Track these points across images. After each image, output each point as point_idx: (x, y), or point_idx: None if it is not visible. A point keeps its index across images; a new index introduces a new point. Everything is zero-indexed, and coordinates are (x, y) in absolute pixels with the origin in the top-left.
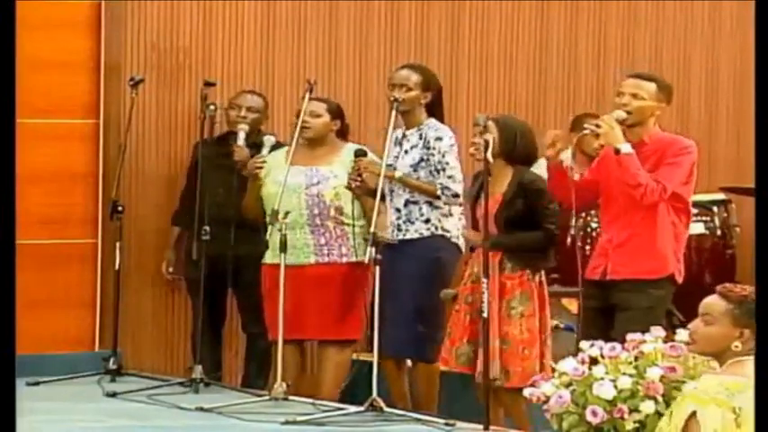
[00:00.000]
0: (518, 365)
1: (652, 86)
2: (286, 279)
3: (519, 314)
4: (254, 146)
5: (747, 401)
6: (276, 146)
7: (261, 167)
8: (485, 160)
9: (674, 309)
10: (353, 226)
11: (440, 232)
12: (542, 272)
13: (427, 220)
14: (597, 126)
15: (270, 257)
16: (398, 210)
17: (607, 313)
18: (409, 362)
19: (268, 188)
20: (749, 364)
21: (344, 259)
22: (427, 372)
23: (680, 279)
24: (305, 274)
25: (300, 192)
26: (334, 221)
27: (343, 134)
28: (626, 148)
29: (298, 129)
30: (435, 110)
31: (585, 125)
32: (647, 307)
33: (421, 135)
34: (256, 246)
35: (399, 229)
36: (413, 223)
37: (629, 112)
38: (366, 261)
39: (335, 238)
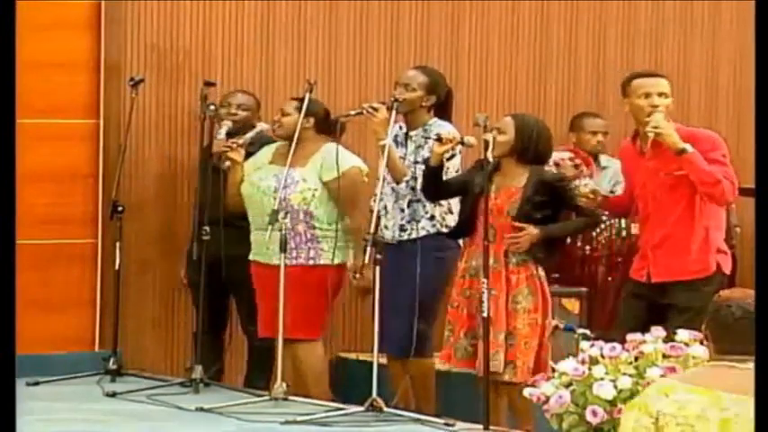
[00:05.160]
0: (522, 360)
1: (668, 83)
2: (259, 277)
3: (523, 309)
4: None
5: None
6: (265, 139)
7: (230, 148)
8: (485, 159)
9: None
10: (325, 230)
11: (444, 230)
12: (542, 266)
13: (432, 217)
14: (655, 128)
15: (251, 255)
16: (402, 210)
17: (653, 309)
18: None
19: (245, 187)
20: (727, 372)
21: (311, 262)
22: (422, 366)
23: (727, 270)
24: (274, 274)
25: (270, 195)
26: (305, 225)
27: (328, 132)
28: (690, 147)
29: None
30: (443, 112)
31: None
32: (701, 306)
33: (426, 134)
34: (249, 245)
35: (403, 230)
36: (418, 221)
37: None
38: (366, 261)
39: (305, 242)
